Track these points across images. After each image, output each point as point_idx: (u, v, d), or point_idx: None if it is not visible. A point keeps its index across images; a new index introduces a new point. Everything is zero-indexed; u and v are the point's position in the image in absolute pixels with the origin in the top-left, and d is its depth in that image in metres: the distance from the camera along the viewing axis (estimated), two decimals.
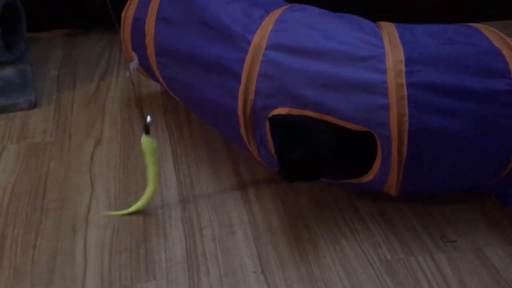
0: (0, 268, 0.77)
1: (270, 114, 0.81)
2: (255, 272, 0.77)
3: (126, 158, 0.99)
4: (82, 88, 1.20)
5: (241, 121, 0.85)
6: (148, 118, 0.81)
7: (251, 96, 0.83)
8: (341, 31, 0.82)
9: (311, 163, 0.78)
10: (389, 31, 0.81)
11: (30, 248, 0.81)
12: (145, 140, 0.82)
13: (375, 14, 0.94)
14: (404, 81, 0.76)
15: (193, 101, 1.00)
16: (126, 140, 1.04)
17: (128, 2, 1.04)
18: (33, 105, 1.13)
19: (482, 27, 0.85)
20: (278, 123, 0.80)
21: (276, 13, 0.86)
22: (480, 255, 0.81)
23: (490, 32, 0.83)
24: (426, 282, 0.76)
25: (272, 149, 0.84)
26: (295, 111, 0.80)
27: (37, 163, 0.98)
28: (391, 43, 0.79)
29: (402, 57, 0.77)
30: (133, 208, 0.86)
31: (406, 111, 0.75)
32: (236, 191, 0.92)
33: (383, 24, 0.84)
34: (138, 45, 1.03)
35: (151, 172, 0.84)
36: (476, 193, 0.90)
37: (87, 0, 1.39)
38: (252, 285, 0.76)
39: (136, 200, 0.89)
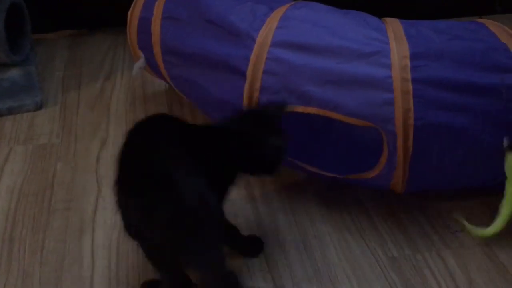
0: (9, 270, 0.78)
1: None
2: (261, 271, 0.77)
3: None
4: (88, 89, 1.20)
5: None
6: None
7: (256, 93, 0.83)
8: (346, 28, 0.82)
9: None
10: (394, 26, 0.81)
11: (38, 249, 0.81)
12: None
13: (379, 10, 0.94)
14: (409, 76, 0.75)
15: (199, 99, 1.00)
16: None
17: (134, 2, 1.04)
18: (39, 107, 1.13)
19: (487, 22, 0.85)
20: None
21: (281, 10, 0.86)
22: (487, 251, 0.80)
23: (495, 27, 0.83)
24: (433, 278, 0.76)
25: None
26: (300, 108, 0.80)
27: (44, 165, 0.98)
28: (396, 38, 0.78)
29: (407, 52, 0.76)
30: (491, 229, 0.78)
31: (411, 106, 0.75)
32: (242, 189, 0.92)
33: (388, 20, 0.84)
34: (145, 44, 1.03)
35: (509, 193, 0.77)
36: (483, 189, 0.89)
37: (92, 0, 1.39)
38: (259, 284, 0.76)
39: None
